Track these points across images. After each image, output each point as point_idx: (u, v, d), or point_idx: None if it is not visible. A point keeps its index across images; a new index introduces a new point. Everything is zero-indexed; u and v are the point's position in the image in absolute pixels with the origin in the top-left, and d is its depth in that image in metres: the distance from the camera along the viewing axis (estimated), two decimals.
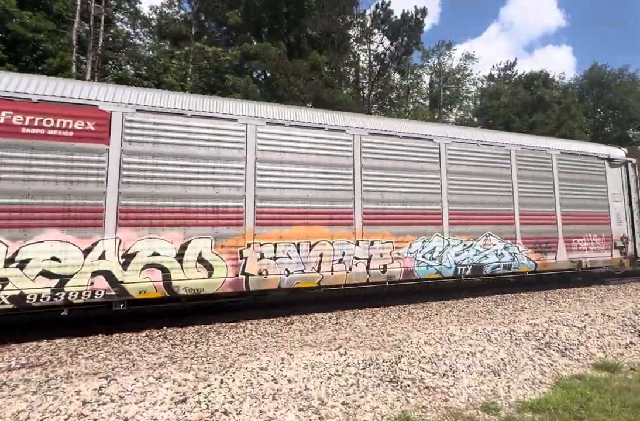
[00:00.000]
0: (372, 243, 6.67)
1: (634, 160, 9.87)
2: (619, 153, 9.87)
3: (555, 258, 8.39)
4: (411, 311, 6.75)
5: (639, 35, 74.71)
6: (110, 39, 16.72)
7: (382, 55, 23.64)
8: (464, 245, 7.47)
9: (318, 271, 6.24)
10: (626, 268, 9.53)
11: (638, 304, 6.35)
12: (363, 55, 24.60)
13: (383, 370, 3.75)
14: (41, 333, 5.21)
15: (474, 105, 31.87)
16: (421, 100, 30.00)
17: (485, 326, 5.02)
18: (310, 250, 6.23)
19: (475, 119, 29.33)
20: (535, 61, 73.71)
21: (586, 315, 5.68)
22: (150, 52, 18.93)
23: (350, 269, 6.46)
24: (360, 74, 24.92)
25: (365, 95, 24.54)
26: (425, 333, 4.63)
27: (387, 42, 23.06)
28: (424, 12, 21.57)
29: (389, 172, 7.04)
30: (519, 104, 25.90)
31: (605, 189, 9.29)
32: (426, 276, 7.10)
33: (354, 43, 23.61)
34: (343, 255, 6.44)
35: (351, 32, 22.87)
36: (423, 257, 7.07)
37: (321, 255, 6.28)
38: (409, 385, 3.60)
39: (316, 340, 4.87)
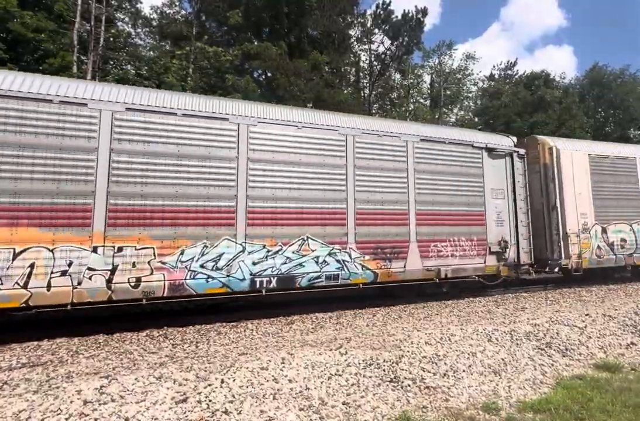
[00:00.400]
0: (121, 249, 5.23)
1: (522, 151, 8.51)
2: (504, 142, 8.45)
3: (404, 267, 6.91)
4: (412, 311, 6.75)
5: (639, 35, 74.65)
6: (111, 39, 16.74)
7: (383, 55, 23.64)
8: (268, 251, 6.01)
9: (25, 287, 4.77)
10: (502, 278, 7.93)
11: (639, 304, 6.34)
12: (364, 55, 24.63)
13: (384, 370, 3.75)
14: (42, 333, 5.22)
15: (474, 105, 31.86)
16: (422, 100, 30.01)
17: (486, 326, 5.02)
18: (13, 259, 4.74)
19: (476, 119, 29.33)
20: (536, 61, 73.73)
21: (587, 315, 5.68)
22: (151, 52, 18.96)
23: (79, 284, 5.00)
24: (361, 74, 24.93)
25: (365, 95, 24.54)
26: (425, 333, 4.63)
27: (387, 42, 23.07)
28: (424, 12, 21.57)
29: (154, 158, 5.54)
30: (520, 104, 25.88)
31: (482, 184, 7.85)
32: (208, 291, 5.66)
33: (355, 43, 23.62)
34: (70, 265, 4.98)
35: (352, 32, 22.88)
36: (202, 266, 5.63)
37: (32, 266, 4.82)
38: (409, 385, 3.60)
39: (317, 339, 4.88)
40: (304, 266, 6.24)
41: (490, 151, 8.08)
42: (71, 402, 2.93)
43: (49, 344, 4.85)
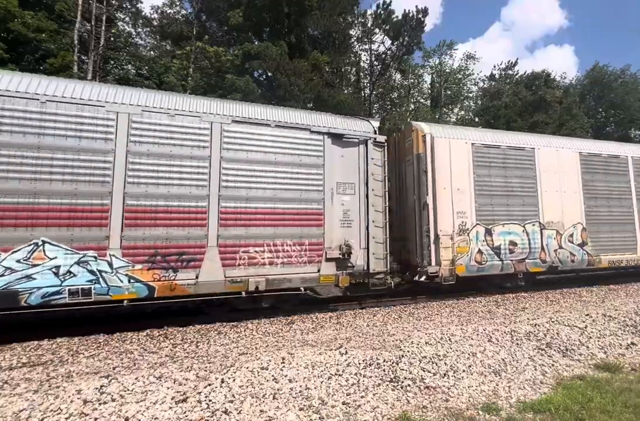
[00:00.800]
0: None
1: (380, 138, 7.07)
2: (359, 127, 7.02)
3: (197, 278, 5.62)
4: (412, 311, 6.75)
5: None
6: (112, 38, 16.75)
7: (383, 55, 23.62)
8: None
9: None
10: (342, 289, 6.65)
11: (639, 304, 6.33)
12: (364, 55, 24.62)
13: (384, 370, 3.75)
14: (43, 332, 5.23)
15: (475, 105, 31.85)
16: (422, 100, 30.00)
17: (486, 326, 5.02)
18: None
19: (477, 119, 29.32)
20: (536, 61, 73.62)
21: (587, 315, 5.67)
22: (152, 52, 18.99)
23: None
24: (361, 74, 24.92)
25: (366, 95, 24.53)
26: (426, 333, 4.63)
27: (388, 42, 23.05)
28: (425, 11, 21.50)
29: None
30: (520, 104, 25.88)
31: (322, 176, 6.54)
32: None
33: (355, 43, 23.61)
34: None
35: (352, 32, 22.87)
36: None
37: None
38: (409, 385, 3.60)
39: (317, 339, 4.88)
40: (34, 278, 4.89)
41: (337, 137, 6.69)
42: (71, 402, 2.94)
43: (49, 344, 4.86)
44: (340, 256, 6.44)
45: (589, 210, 8.91)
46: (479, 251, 7.68)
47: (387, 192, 7.12)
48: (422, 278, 7.38)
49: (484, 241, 7.73)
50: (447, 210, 7.54)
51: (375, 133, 7.09)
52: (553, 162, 8.69)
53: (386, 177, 7.14)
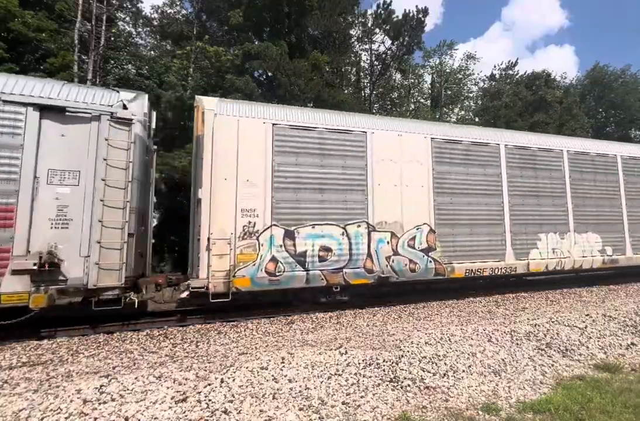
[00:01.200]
0: None
1: (125, 113, 5.51)
2: (92, 98, 5.48)
3: None
4: (412, 311, 6.75)
5: None
6: (112, 38, 16.75)
7: (384, 55, 23.63)
8: None
9: None
10: (33, 312, 4.85)
11: (639, 304, 6.33)
12: (364, 54, 24.62)
13: (383, 370, 3.75)
14: (43, 332, 5.23)
15: (475, 105, 31.83)
16: (422, 100, 30.00)
17: (486, 326, 5.02)
18: None
19: (477, 119, 29.31)
20: (537, 61, 73.64)
21: (587, 315, 5.67)
22: (152, 52, 18.99)
23: None
24: (362, 74, 24.93)
25: (366, 95, 24.53)
26: (425, 333, 4.64)
27: (388, 42, 23.06)
28: (425, 11, 21.48)
29: None
30: (521, 104, 25.87)
31: (17, 161, 4.94)
32: None
33: (355, 43, 23.60)
34: None
35: (352, 32, 22.85)
36: None
37: None
38: (409, 385, 3.60)
39: (317, 339, 4.88)
40: None
41: (54, 110, 5.19)
42: (71, 401, 2.94)
43: (49, 343, 4.86)
44: (36, 267, 4.81)
45: (440, 208, 7.27)
46: (273, 259, 6.12)
47: (130, 183, 5.52)
48: (185, 295, 5.88)
49: (281, 246, 6.19)
50: (227, 208, 5.98)
51: (125, 107, 5.56)
52: (393, 149, 7.08)
53: (132, 164, 5.53)
